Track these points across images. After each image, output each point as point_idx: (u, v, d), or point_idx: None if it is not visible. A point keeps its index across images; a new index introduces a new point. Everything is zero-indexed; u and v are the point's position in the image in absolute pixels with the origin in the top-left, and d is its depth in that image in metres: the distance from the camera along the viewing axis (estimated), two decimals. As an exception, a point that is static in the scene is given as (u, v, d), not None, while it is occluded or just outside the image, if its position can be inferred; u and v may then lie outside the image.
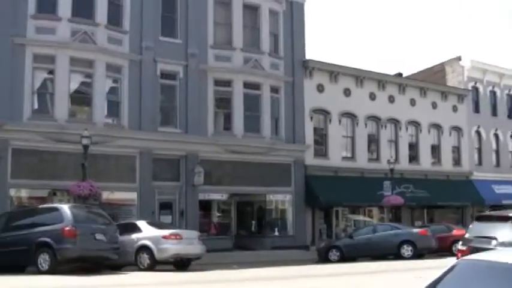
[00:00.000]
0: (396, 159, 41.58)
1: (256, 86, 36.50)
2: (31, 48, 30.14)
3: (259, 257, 31.66)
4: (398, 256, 30.40)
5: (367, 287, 18.66)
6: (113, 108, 32.37)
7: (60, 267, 21.56)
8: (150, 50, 33.38)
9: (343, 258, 31.25)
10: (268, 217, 38.19)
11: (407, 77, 48.48)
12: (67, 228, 21.56)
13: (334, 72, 40.70)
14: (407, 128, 44.36)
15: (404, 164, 43.16)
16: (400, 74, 48.24)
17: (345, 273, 23.03)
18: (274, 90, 37.46)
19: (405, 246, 30.79)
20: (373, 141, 42.69)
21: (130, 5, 33.09)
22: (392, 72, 49.12)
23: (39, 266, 21.50)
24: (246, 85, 36.01)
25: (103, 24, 31.71)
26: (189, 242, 25.03)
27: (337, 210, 40.48)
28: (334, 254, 31.80)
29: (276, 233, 37.80)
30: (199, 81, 34.87)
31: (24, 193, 30.42)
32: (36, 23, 30.43)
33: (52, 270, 21.09)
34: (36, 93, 30.59)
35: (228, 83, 35.71)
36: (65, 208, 22.66)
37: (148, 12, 33.58)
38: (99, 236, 22.48)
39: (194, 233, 26.47)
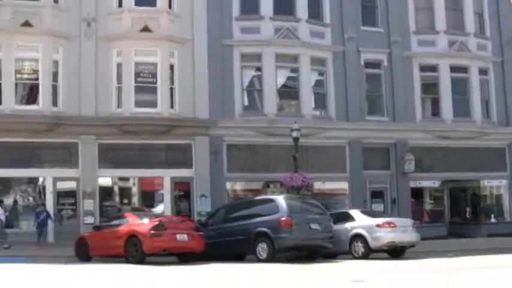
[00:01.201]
0: None
1: (463, 69, 35.38)
2: (238, 48, 31.52)
3: (475, 244, 30.64)
4: None
5: None
6: (320, 100, 32.92)
7: (278, 255, 22.19)
8: (353, 40, 33.52)
9: None
10: (483, 203, 36.87)
11: None
12: (283, 219, 22.10)
13: (546, 47, 38.41)
14: None
15: None
16: None
17: None
18: (483, 72, 36.10)
19: None
20: None
21: (330, -2, 33.45)
22: None
23: (258, 254, 22.21)
24: (453, 69, 35.03)
25: (304, 19, 32.33)
26: (403, 230, 24.75)
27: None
28: (556, 241, 30.09)
29: (492, 220, 36.39)
30: (404, 68, 34.50)
31: (239, 186, 31.93)
32: (241, 24, 31.76)
33: (270, 259, 21.69)
34: (246, 91, 31.95)
35: (433, 68, 34.98)
36: (281, 199, 23.21)
37: (347, 3, 33.76)
38: (314, 226, 22.85)
39: (408, 221, 26.13)
